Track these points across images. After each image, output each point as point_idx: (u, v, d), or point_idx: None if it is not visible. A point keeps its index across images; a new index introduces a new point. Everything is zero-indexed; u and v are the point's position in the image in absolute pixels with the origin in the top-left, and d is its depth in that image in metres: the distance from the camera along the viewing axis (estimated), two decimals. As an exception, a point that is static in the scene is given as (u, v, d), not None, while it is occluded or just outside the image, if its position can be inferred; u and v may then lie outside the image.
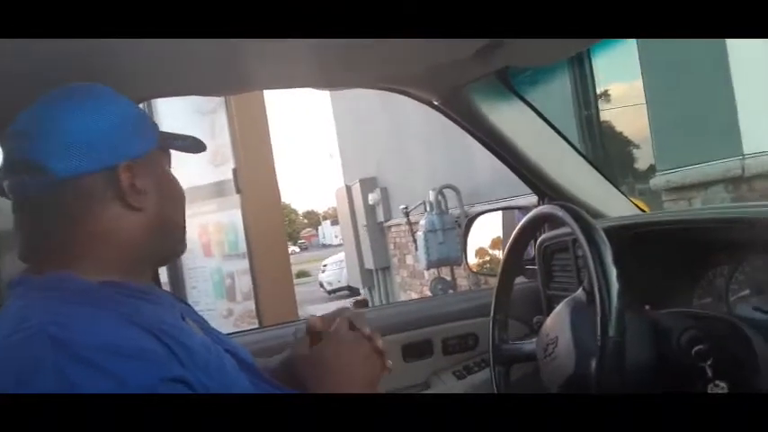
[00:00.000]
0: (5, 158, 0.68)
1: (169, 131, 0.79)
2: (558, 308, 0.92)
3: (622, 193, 1.30)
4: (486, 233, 1.52)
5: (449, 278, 5.71)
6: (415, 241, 5.94)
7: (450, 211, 5.47)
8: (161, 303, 0.71)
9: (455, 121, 1.27)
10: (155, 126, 0.76)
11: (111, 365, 0.55)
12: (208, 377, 0.62)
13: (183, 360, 0.61)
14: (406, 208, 6.40)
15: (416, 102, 1.31)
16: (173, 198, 0.75)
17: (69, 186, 0.66)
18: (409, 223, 6.47)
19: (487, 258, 1.56)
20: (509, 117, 1.23)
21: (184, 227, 0.78)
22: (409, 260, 7.20)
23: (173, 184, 0.76)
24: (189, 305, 0.87)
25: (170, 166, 0.78)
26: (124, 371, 0.55)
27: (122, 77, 0.74)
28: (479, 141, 1.29)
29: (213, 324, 0.85)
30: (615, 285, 0.74)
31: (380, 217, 8.01)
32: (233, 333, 1.22)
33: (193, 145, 0.80)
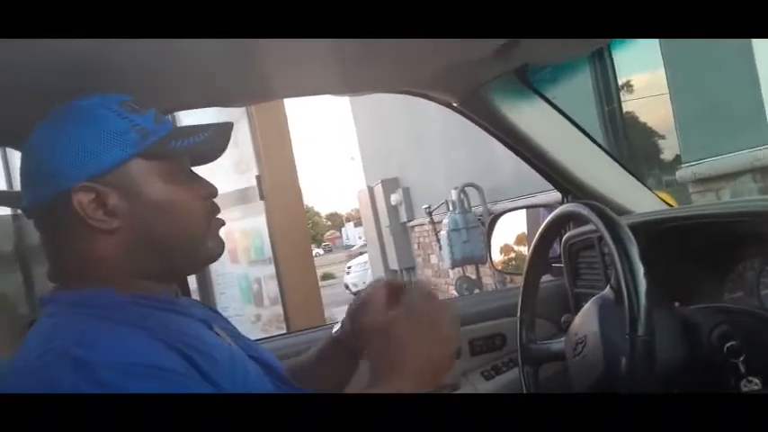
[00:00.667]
0: None
1: (186, 126, 0.75)
2: (586, 306, 0.91)
3: (648, 187, 1.28)
4: (511, 232, 1.52)
5: (474, 277, 5.69)
6: (438, 240, 5.94)
7: (472, 209, 5.45)
8: (188, 314, 0.72)
9: (475, 121, 1.27)
10: (143, 131, 0.68)
11: (128, 385, 0.55)
12: (232, 386, 0.64)
13: (206, 372, 0.62)
14: (428, 207, 6.39)
15: (435, 103, 1.31)
16: (163, 210, 0.68)
17: (39, 213, 0.69)
18: (432, 222, 6.47)
19: (512, 256, 1.56)
20: (529, 115, 1.22)
21: (191, 237, 0.71)
22: (433, 259, 7.19)
23: (165, 194, 0.68)
24: (217, 312, 0.89)
25: (180, 169, 0.72)
26: (140, 391, 0.56)
27: (141, 91, 0.75)
28: (500, 141, 1.28)
29: (242, 329, 0.87)
30: (643, 283, 0.74)
31: (403, 217, 8.02)
32: (261, 339, 1.24)
33: (213, 142, 0.72)
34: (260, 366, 0.75)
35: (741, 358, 0.77)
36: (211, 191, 0.74)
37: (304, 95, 1.20)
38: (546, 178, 1.30)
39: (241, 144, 2.45)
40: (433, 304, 0.74)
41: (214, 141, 0.73)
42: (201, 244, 0.72)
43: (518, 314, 1.07)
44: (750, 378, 0.76)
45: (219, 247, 0.75)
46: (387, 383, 0.66)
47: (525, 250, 1.44)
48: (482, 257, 5.28)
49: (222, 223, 0.76)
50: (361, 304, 0.87)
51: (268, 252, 2.43)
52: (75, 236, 0.66)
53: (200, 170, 0.77)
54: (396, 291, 0.85)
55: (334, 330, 0.91)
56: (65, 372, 0.56)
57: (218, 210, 0.75)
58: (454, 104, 1.28)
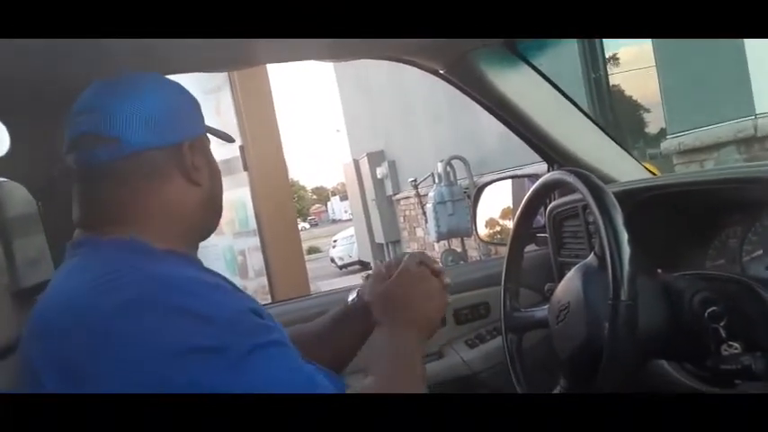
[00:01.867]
0: (72, 133, 0.71)
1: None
2: (570, 274, 0.91)
3: (633, 157, 1.28)
4: (496, 202, 1.52)
5: (459, 249, 5.72)
6: (424, 214, 5.95)
7: (458, 181, 5.45)
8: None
9: (462, 89, 1.26)
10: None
11: (209, 294, 0.62)
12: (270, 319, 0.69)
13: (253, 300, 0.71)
14: (414, 180, 6.39)
15: (423, 73, 1.29)
16: (218, 176, 0.80)
17: (138, 159, 0.70)
18: (418, 196, 6.47)
19: (498, 227, 1.56)
20: (516, 83, 1.21)
21: (221, 202, 0.82)
22: (419, 233, 7.21)
23: (216, 164, 0.80)
24: None
25: None
26: (220, 298, 0.63)
27: (120, 55, 0.74)
28: (487, 109, 1.27)
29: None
30: (627, 249, 0.74)
31: (389, 190, 8.01)
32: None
33: (224, 136, 0.86)
34: None
35: (722, 323, 0.78)
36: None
37: (289, 61, 1.18)
38: (532, 147, 1.30)
39: (224, 114, 2.41)
40: (422, 268, 0.85)
41: (225, 138, 0.85)
42: (221, 213, 0.82)
43: (502, 283, 1.08)
44: (730, 342, 0.77)
45: None
46: (387, 333, 0.79)
47: (510, 220, 1.44)
48: (467, 230, 5.30)
49: None
50: (373, 277, 0.96)
51: (252, 224, 2.41)
52: (166, 184, 0.72)
53: None
54: (390, 269, 0.91)
55: (350, 299, 0.96)
56: (146, 284, 0.60)
57: None
58: (441, 71, 1.26)
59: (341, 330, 0.94)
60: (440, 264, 0.86)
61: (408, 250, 7.81)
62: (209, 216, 0.78)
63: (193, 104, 0.78)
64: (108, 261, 0.65)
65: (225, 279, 0.72)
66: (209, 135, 0.81)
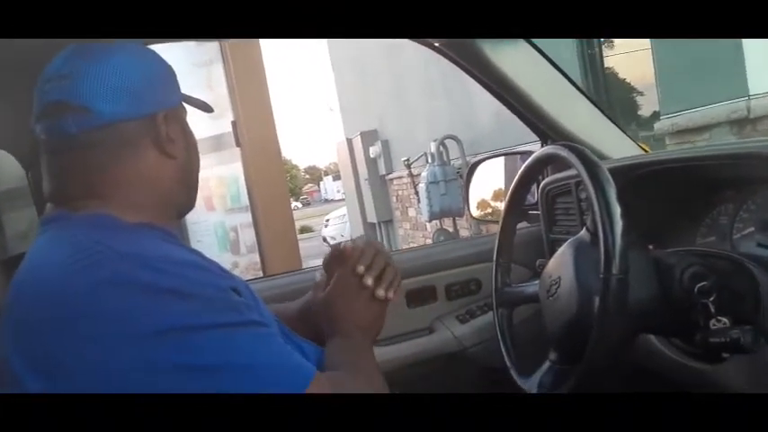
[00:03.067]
0: (40, 101, 0.67)
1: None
2: (561, 249, 0.91)
3: (627, 134, 1.28)
4: (489, 179, 1.51)
5: (451, 229, 5.73)
6: (417, 193, 5.94)
7: (452, 161, 5.44)
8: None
9: (457, 62, 1.24)
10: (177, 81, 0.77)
11: (182, 272, 0.59)
12: (248, 295, 0.67)
13: (233, 277, 0.67)
14: (407, 160, 6.36)
15: (418, 52, 1.28)
16: (195, 149, 0.77)
17: (111, 130, 0.67)
18: (411, 175, 6.45)
19: (490, 203, 1.56)
20: (512, 57, 1.20)
21: (198, 177, 0.79)
22: (411, 213, 7.21)
23: (193, 136, 0.77)
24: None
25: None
26: (195, 275, 0.60)
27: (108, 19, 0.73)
28: (481, 84, 1.26)
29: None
30: (619, 223, 0.74)
31: (382, 170, 7.98)
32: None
33: (203, 106, 0.82)
34: None
35: (711, 298, 0.78)
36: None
37: (283, 38, 1.16)
38: (525, 123, 1.29)
39: (215, 87, 2.38)
40: (353, 282, 0.82)
41: (204, 107, 0.82)
42: (197, 185, 0.79)
43: (494, 258, 1.08)
44: (719, 317, 0.78)
45: None
46: (333, 340, 0.79)
47: (503, 197, 1.44)
48: (460, 210, 5.31)
49: None
50: (314, 286, 0.93)
51: (244, 200, 2.40)
52: (139, 156, 0.69)
53: None
54: (337, 260, 0.88)
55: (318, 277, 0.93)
56: (118, 263, 0.58)
57: None
58: (436, 45, 1.24)
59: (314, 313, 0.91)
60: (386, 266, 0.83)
61: (401, 230, 7.82)
62: (184, 190, 0.75)
63: (169, 73, 0.75)
64: (79, 238, 0.62)
65: (202, 256, 0.67)
66: (188, 106, 0.78)
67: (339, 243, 0.90)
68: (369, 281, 0.81)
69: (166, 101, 0.72)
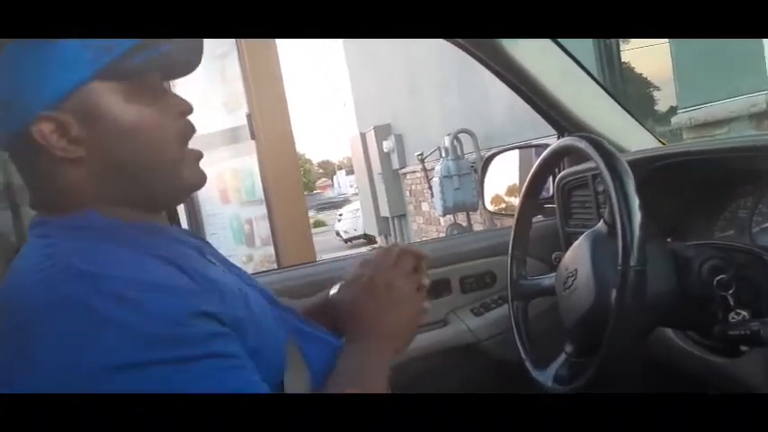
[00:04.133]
0: None
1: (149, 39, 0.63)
2: (578, 241, 0.91)
3: (644, 127, 1.26)
4: (504, 172, 1.51)
5: (465, 224, 5.72)
6: (430, 188, 5.93)
7: (465, 156, 5.42)
8: (181, 241, 0.71)
9: (473, 55, 1.23)
10: (98, 49, 0.61)
11: (140, 298, 0.54)
12: (234, 310, 0.62)
13: (209, 294, 0.60)
14: (421, 154, 6.36)
15: (431, 46, 1.28)
16: (127, 135, 0.63)
17: (6, 145, 0.65)
18: (425, 170, 6.45)
19: (506, 198, 1.55)
20: (528, 48, 1.19)
21: (161, 163, 0.65)
22: (425, 207, 7.20)
23: (129, 116, 0.63)
24: (208, 243, 0.88)
25: (147, 87, 0.65)
26: (152, 304, 0.54)
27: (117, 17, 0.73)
28: (498, 76, 1.25)
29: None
30: (637, 215, 0.73)
31: (395, 164, 7.98)
32: (252, 274, 1.24)
33: (181, 53, 0.66)
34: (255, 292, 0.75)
35: (730, 291, 0.78)
36: (184, 108, 0.67)
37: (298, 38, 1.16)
38: (542, 115, 1.28)
39: (231, 81, 2.39)
40: (393, 271, 0.75)
41: (183, 52, 0.67)
42: (174, 171, 0.66)
43: (509, 250, 1.08)
44: (738, 311, 0.77)
45: (197, 177, 0.69)
46: (353, 348, 0.72)
47: (518, 192, 1.43)
48: (474, 204, 5.29)
49: (200, 155, 0.70)
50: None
51: (259, 192, 2.40)
52: (44, 166, 0.63)
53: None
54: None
55: (331, 293, 0.87)
56: (72, 284, 0.54)
57: (192, 130, 0.68)
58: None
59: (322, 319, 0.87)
60: (421, 253, 0.77)
61: (414, 225, 7.81)
62: (125, 185, 0.65)
63: (52, 59, 0.60)
64: (47, 251, 0.59)
65: (177, 270, 0.60)
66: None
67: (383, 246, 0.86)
68: (425, 281, 0.76)
69: (44, 99, 0.60)
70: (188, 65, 0.70)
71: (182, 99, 0.68)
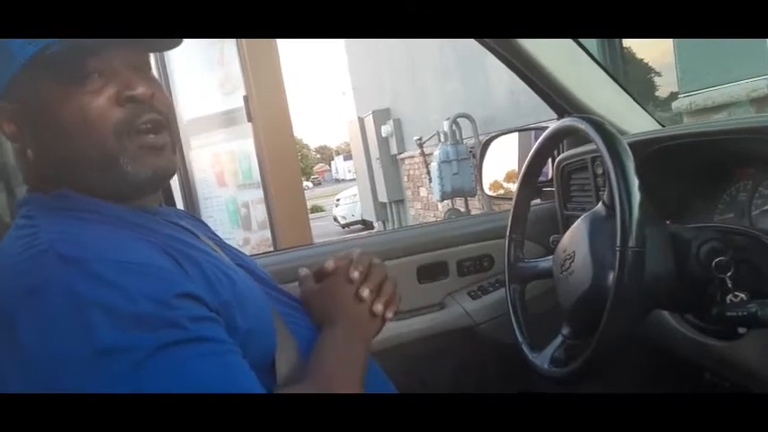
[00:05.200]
0: None
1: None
2: (576, 223, 0.90)
3: (645, 109, 1.25)
4: (504, 155, 1.50)
5: (463, 209, 5.71)
6: (428, 173, 5.92)
7: (464, 141, 5.40)
8: (173, 222, 0.70)
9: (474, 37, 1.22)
10: (24, 41, 0.59)
11: (123, 280, 0.53)
12: (219, 293, 0.61)
13: (193, 278, 0.59)
14: (419, 139, 6.34)
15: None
16: (58, 122, 0.61)
17: None
18: (423, 155, 6.43)
19: (505, 182, 1.54)
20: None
21: (97, 153, 0.62)
22: (423, 192, 7.20)
23: (61, 103, 0.61)
24: (203, 222, 0.87)
25: (87, 69, 0.61)
26: (135, 286, 0.53)
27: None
28: (498, 57, 1.24)
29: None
30: (637, 195, 0.72)
31: (394, 149, 7.95)
32: (250, 256, 1.23)
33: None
34: (248, 274, 0.74)
35: (728, 274, 0.77)
36: (133, 93, 0.62)
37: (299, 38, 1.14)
38: (542, 97, 1.27)
39: (227, 63, 2.37)
40: (346, 289, 0.75)
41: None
42: (114, 165, 0.62)
43: (507, 233, 1.07)
44: (736, 293, 0.76)
45: (147, 172, 0.64)
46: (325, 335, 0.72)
47: (517, 177, 1.43)
48: (472, 190, 5.29)
49: (157, 143, 0.65)
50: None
51: (256, 175, 2.39)
52: (14, 148, 0.67)
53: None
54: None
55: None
56: (53, 267, 0.53)
57: (145, 118, 0.64)
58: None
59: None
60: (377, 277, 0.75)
61: (412, 210, 7.81)
62: (70, 176, 0.63)
63: None
64: (30, 231, 0.58)
65: (159, 252, 0.59)
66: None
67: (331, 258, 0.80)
68: (365, 293, 0.74)
69: None
70: (162, 41, 0.67)
71: (133, 83, 0.63)
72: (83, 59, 0.61)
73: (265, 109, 2.24)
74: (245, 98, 2.27)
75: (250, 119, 2.29)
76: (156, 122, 0.65)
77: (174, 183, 2.48)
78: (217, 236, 0.83)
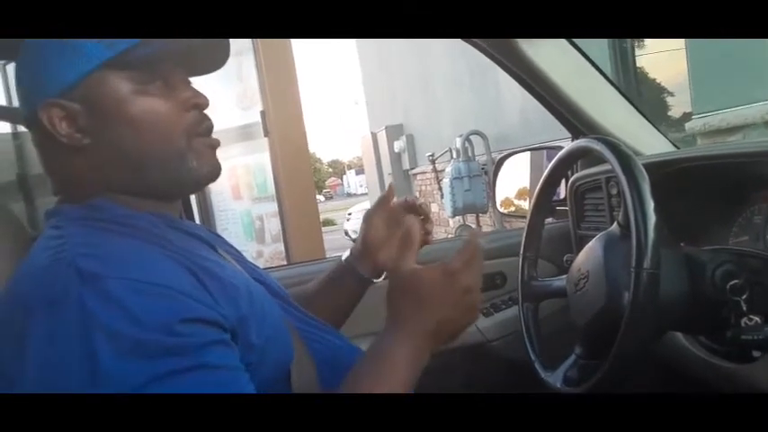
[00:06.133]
0: None
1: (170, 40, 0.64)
2: (591, 243, 0.91)
3: (659, 131, 1.26)
4: (517, 174, 1.51)
5: (474, 226, 5.70)
6: (440, 189, 5.92)
7: (476, 157, 5.41)
8: (193, 235, 0.71)
9: (488, 54, 1.23)
10: (110, 41, 0.62)
11: (134, 302, 0.53)
12: (238, 308, 0.62)
13: (213, 293, 0.60)
14: (432, 155, 6.35)
15: (445, 47, 1.28)
16: (131, 125, 0.64)
17: (28, 129, 0.68)
18: (435, 171, 6.44)
19: (517, 200, 1.55)
20: (546, 50, 1.18)
21: (166, 153, 0.66)
22: (434, 208, 7.19)
23: (134, 106, 0.64)
24: (220, 236, 0.89)
25: (158, 78, 0.66)
26: (145, 309, 0.53)
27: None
28: (513, 76, 1.25)
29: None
30: (652, 217, 0.73)
31: (406, 164, 7.98)
32: (264, 269, 1.24)
33: (204, 50, 0.69)
34: (265, 289, 0.75)
35: (743, 297, 0.77)
36: (198, 101, 0.68)
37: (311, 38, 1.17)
38: (557, 117, 1.28)
39: (245, 78, 2.40)
40: (475, 268, 0.68)
41: (201, 47, 0.69)
42: (180, 162, 0.66)
43: (521, 251, 1.07)
44: (751, 316, 0.76)
45: (208, 168, 0.69)
46: (400, 337, 0.66)
47: (529, 195, 1.43)
48: (483, 207, 5.28)
49: (215, 144, 0.71)
50: (377, 227, 0.93)
51: (271, 189, 2.42)
52: (55, 153, 0.66)
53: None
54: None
55: (344, 257, 0.94)
56: (71, 282, 0.54)
57: (206, 123, 0.69)
58: (466, 36, 1.24)
59: (335, 288, 0.94)
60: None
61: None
62: (129, 175, 0.65)
63: (66, 50, 0.63)
64: (56, 243, 0.60)
65: (180, 268, 0.60)
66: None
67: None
68: (475, 296, 0.68)
69: (54, 86, 0.63)
70: (212, 61, 0.72)
71: (197, 93, 0.69)
72: (152, 66, 0.65)
73: (282, 124, 2.27)
74: (263, 113, 2.31)
75: (266, 133, 2.32)
76: (210, 128, 0.71)
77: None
78: (234, 249, 0.84)
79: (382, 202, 0.95)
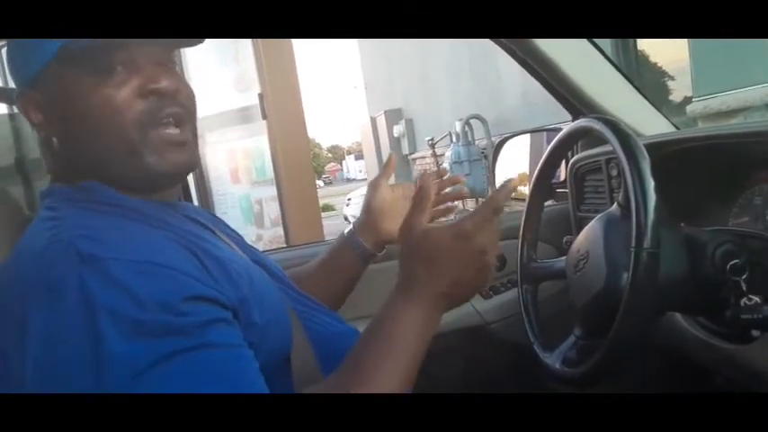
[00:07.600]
0: None
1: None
2: (591, 224, 0.91)
3: (660, 111, 1.25)
4: (517, 156, 1.50)
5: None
6: (440, 173, 5.90)
7: (476, 142, 5.40)
8: (192, 218, 0.71)
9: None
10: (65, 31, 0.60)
11: (135, 282, 0.53)
12: (238, 288, 0.61)
13: (214, 274, 0.59)
14: (431, 140, 6.33)
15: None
16: (83, 113, 0.62)
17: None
18: (435, 155, 6.43)
19: (518, 180, 1.54)
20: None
21: (119, 145, 0.63)
22: (434, 193, 7.19)
23: (86, 95, 0.62)
24: (219, 219, 0.88)
25: (114, 62, 0.62)
26: (147, 289, 0.53)
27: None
28: (514, 57, 1.24)
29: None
30: (652, 196, 0.72)
31: (405, 149, 7.96)
32: (263, 252, 1.24)
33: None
34: (264, 271, 0.75)
35: (743, 277, 0.77)
36: (155, 86, 0.63)
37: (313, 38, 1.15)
38: (557, 98, 1.27)
39: (242, 60, 2.38)
40: (491, 228, 0.65)
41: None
42: (134, 157, 0.63)
43: (520, 233, 1.07)
44: (751, 296, 0.76)
45: (168, 166, 0.65)
46: (411, 298, 0.64)
47: (529, 180, 1.43)
48: (483, 191, 5.28)
49: (180, 138, 0.66)
50: (383, 192, 0.94)
51: (270, 173, 2.41)
52: (39, 138, 0.67)
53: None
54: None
55: (346, 231, 0.95)
56: (71, 263, 0.53)
57: (168, 110, 0.64)
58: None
59: (336, 263, 0.94)
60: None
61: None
62: (93, 166, 0.64)
63: (14, 50, 0.66)
64: (53, 224, 0.59)
65: (176, 247, 0.59)
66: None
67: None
68: (491, 257, 0.65)
69: (24, 76, 0.65)
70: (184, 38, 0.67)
71: (156, 76, 0.64)
72: (109, 53, 0.62)
73: (280, 107, 2.26)
74: (260, 96, 2.29)
75: (265, 116, 2.30)
76: (179, 116, 0.66)
77: (189, 178, 2.50)
78: (234, 232, 0.84)
79: (386, 170, 0.97)
